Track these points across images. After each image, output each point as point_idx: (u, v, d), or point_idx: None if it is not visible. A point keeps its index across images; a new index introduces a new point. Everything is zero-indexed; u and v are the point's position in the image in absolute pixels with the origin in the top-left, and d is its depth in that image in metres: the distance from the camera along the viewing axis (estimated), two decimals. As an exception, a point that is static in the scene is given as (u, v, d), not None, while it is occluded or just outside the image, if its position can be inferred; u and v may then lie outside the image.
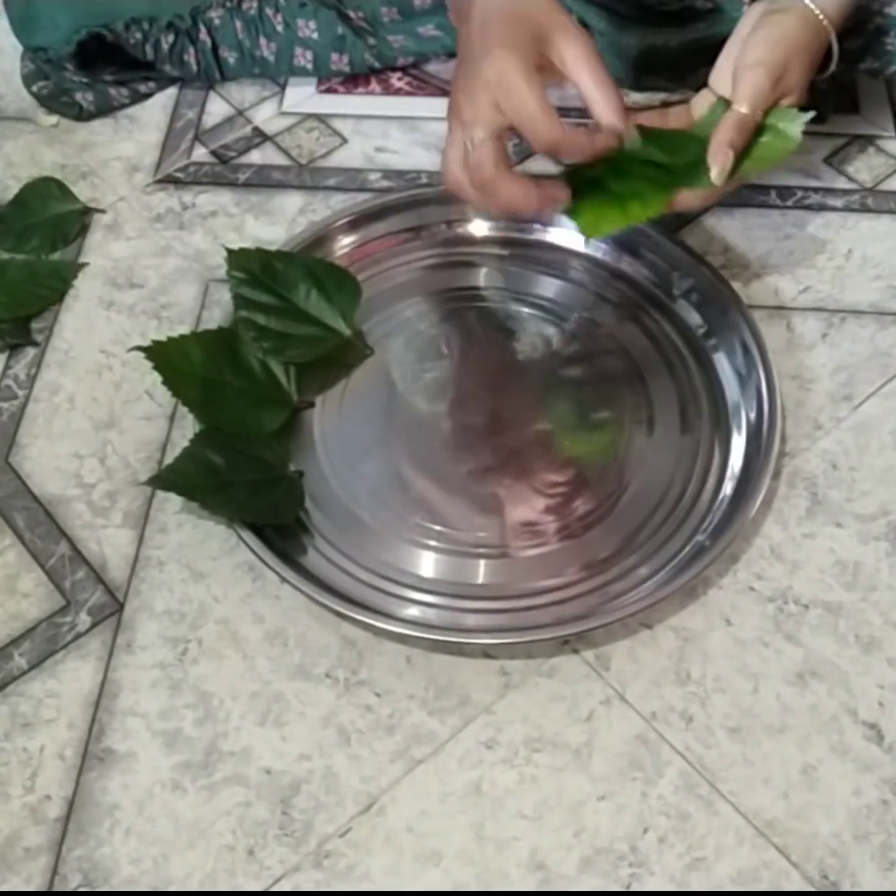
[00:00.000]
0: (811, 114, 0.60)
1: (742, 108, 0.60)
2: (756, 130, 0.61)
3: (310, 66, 0.85)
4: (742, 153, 0.60)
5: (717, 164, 0.60)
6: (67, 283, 0.74)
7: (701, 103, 0.64)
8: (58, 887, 0.52)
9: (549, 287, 0.72)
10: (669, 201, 0.61)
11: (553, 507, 0.63)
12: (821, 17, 0.62)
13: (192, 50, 0.83)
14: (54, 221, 0.77)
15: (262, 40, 0.84)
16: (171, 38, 0.82)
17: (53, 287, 0.74)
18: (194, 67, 0.84)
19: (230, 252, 0.67)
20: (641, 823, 0.53)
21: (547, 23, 0.57)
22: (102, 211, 0.79)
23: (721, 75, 0.64)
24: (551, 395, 0.68)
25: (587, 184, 0.60)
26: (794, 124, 0.61)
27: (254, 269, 0.67)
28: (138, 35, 0.81)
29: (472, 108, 0.57)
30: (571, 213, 0.61)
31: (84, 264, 0.75)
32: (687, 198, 0.62)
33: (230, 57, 0.84)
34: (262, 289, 0.67)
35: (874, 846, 0.52)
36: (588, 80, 0.57)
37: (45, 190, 0.78)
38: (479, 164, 0.57)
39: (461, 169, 0.59)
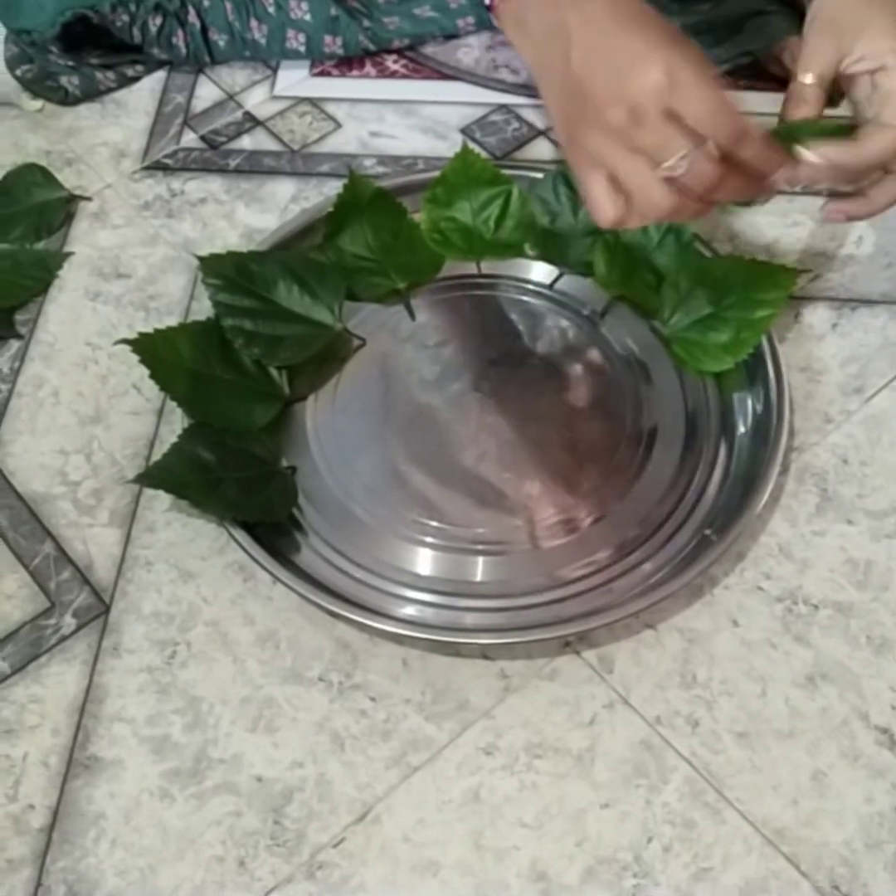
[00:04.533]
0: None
1: (803, 77, 0.58)
2: (826, 100, 0.58)
3: (302, 48, 0.83)
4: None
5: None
6: (52, 274, 0.73)
7: None
8: (42, 900, 0.51)
9: (548, 274, 0.70)
10: None
11: (554, 503, 0.61)
12: None
13: (180, 32, 0.82)
14: (38, 209, 0.76)
15: (253, 22, 0.82)
16: (158, 20, 0.80)
17: (38, 277, 0.73)
18: (183, 50, 0.83)
19: (201, 260, 0.66)
20: (646, 832, 0.52)
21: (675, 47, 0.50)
22: (88, 199, 0.77)
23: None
24: (551, 386, 0.66)
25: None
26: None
27: (229, 274, 0.66)
28: (125, 17, 0.80)
29: (647, 131, 0.49)
30: None
31: (69, 254, 0.74)
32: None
33: (220, 40, 0.83)
34: (241, 293, 0.65)
35: (887, 855, 0.51)
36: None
37: (29, 177, 0.77)
38: (701, 176, 0.49)
39: (615, 204, 0.51)
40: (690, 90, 0.48)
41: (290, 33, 0.82)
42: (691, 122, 0.49)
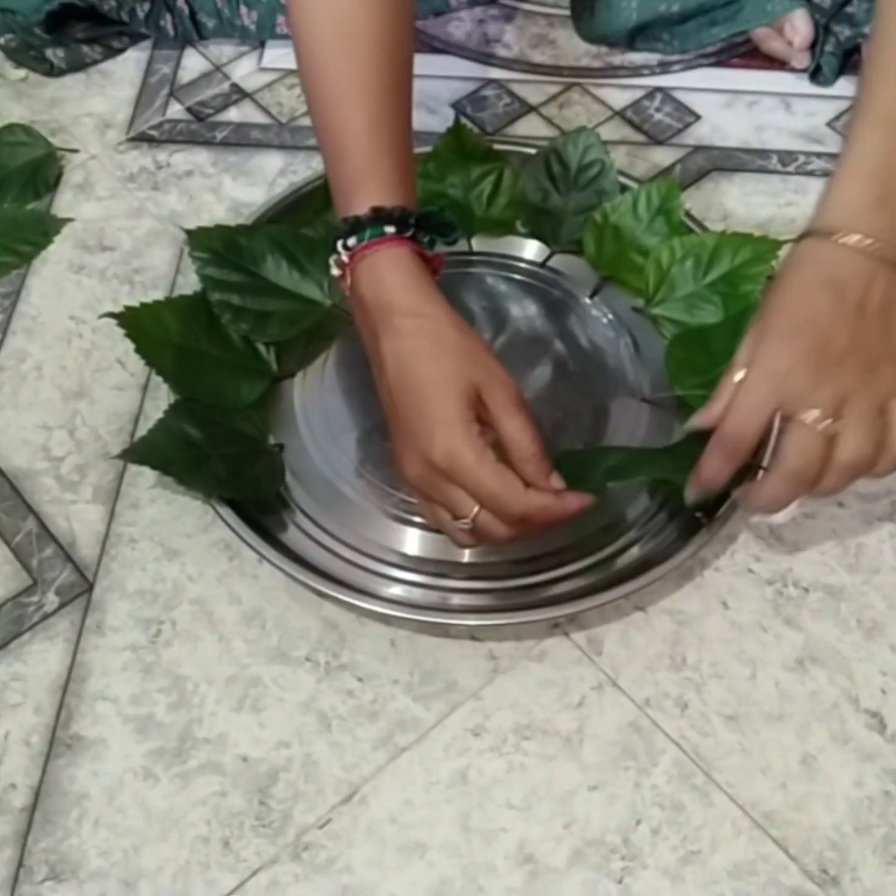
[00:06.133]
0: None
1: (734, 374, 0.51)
2: None
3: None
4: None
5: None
6: (49, 239, 0.71)
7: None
8: (23, 880, 0.51)
9: (540, 252, 0.70)
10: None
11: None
12: None
13: (168, 16, 0.80)
14: (30, 168, 0.74)
15: (243, 9, 0.81)
16: (146, 5, 0.79)
17: (35, 243, 0.71)
18: (171, 32, 0.81)
19: (189, 233, 0.65)
20: (634, 815, 0.52)
21: (478, 370, 0.52)
22: (75, 150, 0.76)
23: None
24: (541, 364, 0.65)
25: None
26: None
27: (217, 248, 0.65)
28: (112, 1, 0.78)
29: (440, 494, 0.52)
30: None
31: (68, 220, 0.72)
32: None
33: (209, 22, 0.81)
34: (229, 267, 0.64)
35: (876, 839, 0.51)
36: (511, 428, 0.51)
37: (10, 137, 0.76)
38: (490, 527, 0.51)
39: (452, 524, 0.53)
40: (469, 472, 0.50)
41: (280, 19, 0.81)
42: (473, 494, 0.50)
